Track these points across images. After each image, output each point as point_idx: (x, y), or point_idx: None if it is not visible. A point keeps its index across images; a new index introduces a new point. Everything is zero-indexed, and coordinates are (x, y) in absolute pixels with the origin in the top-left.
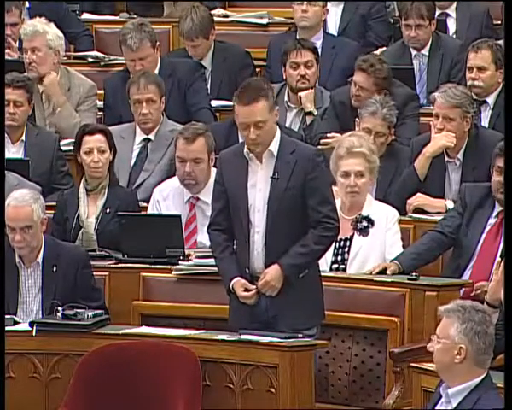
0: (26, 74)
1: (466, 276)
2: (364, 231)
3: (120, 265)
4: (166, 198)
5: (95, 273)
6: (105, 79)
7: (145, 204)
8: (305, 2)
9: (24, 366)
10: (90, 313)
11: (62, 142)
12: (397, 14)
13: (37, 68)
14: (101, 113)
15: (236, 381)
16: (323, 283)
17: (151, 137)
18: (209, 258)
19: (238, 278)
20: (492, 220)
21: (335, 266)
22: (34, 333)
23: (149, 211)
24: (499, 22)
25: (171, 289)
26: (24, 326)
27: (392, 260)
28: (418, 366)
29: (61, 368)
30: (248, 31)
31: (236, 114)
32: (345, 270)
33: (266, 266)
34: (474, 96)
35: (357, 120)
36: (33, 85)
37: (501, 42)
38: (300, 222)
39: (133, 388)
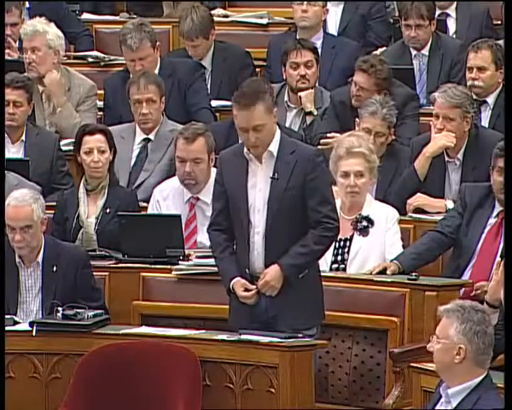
0: (25, 74)
1: (466, 276)
2: (364, 231)
3: (120, 265)
4: (166, 198)
5: (95, 273)
6: (105, 79)
7: (145, 204)
8: (305, 2)
9: (24, 366)
10: (90, 313)
11: (62, 142)
12: (397, 14)
13: (37, 68)
14: (101, 113)
15: (236, 381)
16: (323, 283)
17: (151, 137)
18: (209, 258)
19: (238, 278)
20: (492, 220)
21: (335, 266)
22: (34, 333)
23: (149, 211)
24: (499, 22)
25: (171, 289)
26: (24, 326)
27: (392, 260)
28: (418, 366)
29: (61, 368)
30: (248, 31)
31: (235, 118)
32: (345, 270)
33: (266, 267)
34: (474, 96)
35: (357, 120)
36: (33, 85)
37: (501, 42)
38: (300, 222)
39: (133, 388)
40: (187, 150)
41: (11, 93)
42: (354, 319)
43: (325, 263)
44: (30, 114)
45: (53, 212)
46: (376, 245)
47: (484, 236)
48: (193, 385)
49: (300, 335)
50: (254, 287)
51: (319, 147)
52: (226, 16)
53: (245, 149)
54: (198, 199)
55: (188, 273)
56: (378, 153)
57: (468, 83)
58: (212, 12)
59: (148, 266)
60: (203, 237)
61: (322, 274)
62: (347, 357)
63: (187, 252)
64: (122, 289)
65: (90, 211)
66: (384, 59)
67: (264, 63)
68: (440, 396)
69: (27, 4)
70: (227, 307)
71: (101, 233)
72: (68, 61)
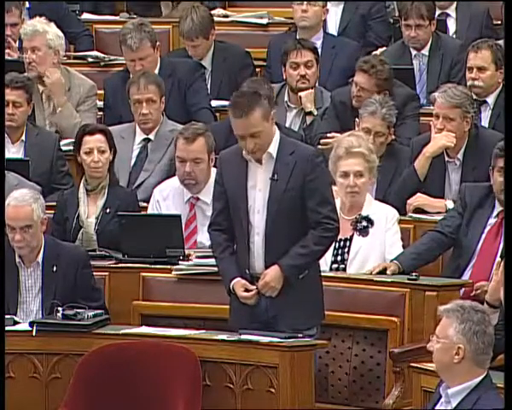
0: (25, 74)
1: (466, 276)
2: (364, 231)
3: (120, 265)
4: (166, 198)
5: (95, 273)
6: (105, 79)
7: (145, 204)
8: (305, 2)
9: (24, 366)
10: (90, 313)
11: (62, 142)
12: (397, 14)
13: (37, 68)
14: (101, 113)
15: (236, 381)
16: (323, 283)
17: (151, 137)
18: (209, 258)
19: (238, 279)
20: (492, 220)
21: (335, 266)
22: (34, 333)
23: (149, 211)
24: (499, 22)
25: (171, 289)
26: (24, 326)
27: (392, 260)
28: (418, 366)
29: (61, 368)
30: (248, 31)
31: (232, 125)
32: (345, 270)
33: (266, 267)
34: (474, 96)
35: (356, 120)
36: (33, 85)
37: (501, 42)
38: (300, 223)
39: (133, 388)
40: (187, 150)
41: (10, 93)
42: (354, 319)
43: (325, 263)
44: (30, 114)
45: (53, 212)
46: (376, 245)
47: (484, 236)
48: (193, 385)
49: (300, 335)
50: (254, 287)
51: (319, 147)
52: (226, 16)
53: (244, 151)
54: (198, 199)
55: (188, 273)
56: (378, 153)
57: (468, 83)
58: (212, 12)
59: (148, 266)
60: (203, 237)
61: (322, 274)
62: (347, 357)
63: (187, 252)
64: (122, 289)
65: (90, 211)
66: (385, 59)
67: (264, 63)
68: (440, 396)
69: (27, 4)
70: (227, 307)
71: (101, 233)
72: (68, 61)
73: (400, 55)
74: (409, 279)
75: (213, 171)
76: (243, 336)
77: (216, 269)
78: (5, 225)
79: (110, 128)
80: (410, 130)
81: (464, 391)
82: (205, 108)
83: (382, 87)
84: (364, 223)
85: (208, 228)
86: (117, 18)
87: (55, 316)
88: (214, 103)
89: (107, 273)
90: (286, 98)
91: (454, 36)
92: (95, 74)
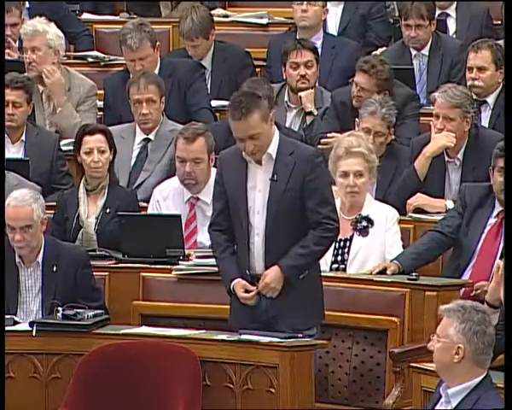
0: (25, 74)
1: (466, 276)
2: (364, 231)
3: (120, 265)
4: (166, 198)
5: (95, 273)
6: (105, 79)
7: (145, 204)
8: (305, 2)
9: (24, 366)
10: (90, 313)
11: (62, 142)
12: (397, 14)
13: (37, 68)
14: (101, 113)
15: (236, 381)
16: (323, 283)
17: (151, 137)
18: (209, 258)
19: (238, 279)
20: (492, 220)
21: (335, 266)
22: (34, 333)
23: (149, 211)
24: (499, 22)
25: (171, 289)
26: (24, 326)
27: (392, 260)
28: (418, 366)
29: (61, 368)
30: (248, 31)
31: (231, 127)
32: (345, 270)
33: (267, 268)
34: (474, 96)
35: (356, 120)
36: (33, 85)
37: (501, 42)
38: (300, 223)
39: (133, 388)
40: (187, 150)
41: (10, 93)
42: (354, 319)
43: (325, 263)
44: (30, 114)
45: (53, 212)
46: (376, 245)
47: (484, 236)
48: (193, 385)
49: (300, 335)
50: (255, 288)
51: (319, 147)
52: (226, 16)
53: (243, 152)
54: (198, 199)
55: (188, 273)
56: (378, 153)
57: (468, 83)
58: (212, 12)
59: (148, 266)
60: (203, 237)
61: (322, 274)
62: (347, 357)
63: (187, 252)
64: (122, 289)
65: (90, 211)
66: (385, 59)
67: (264, 63)
68: (440, 396)
69: (27, 4)
70: (227, 307)
71: (101, 233)
72: (68, 61)
73: (400, 55)
74: (409, 279)
75: (213, 171)
76: (243, 337)
77: (216, 269)
78: (5, 225)
79: (110, 128)
80: (410, 130)
81: (464, 391)
82: (205, 108)
83: (382, 87)
84: (364, 223)
85: (208, 228)
86: (117, 18)
87: (55, 316)
88: (214, 103)
89: (107, 273)
90: (286, 98)
91: (454, 36)
92: (95, 74)
